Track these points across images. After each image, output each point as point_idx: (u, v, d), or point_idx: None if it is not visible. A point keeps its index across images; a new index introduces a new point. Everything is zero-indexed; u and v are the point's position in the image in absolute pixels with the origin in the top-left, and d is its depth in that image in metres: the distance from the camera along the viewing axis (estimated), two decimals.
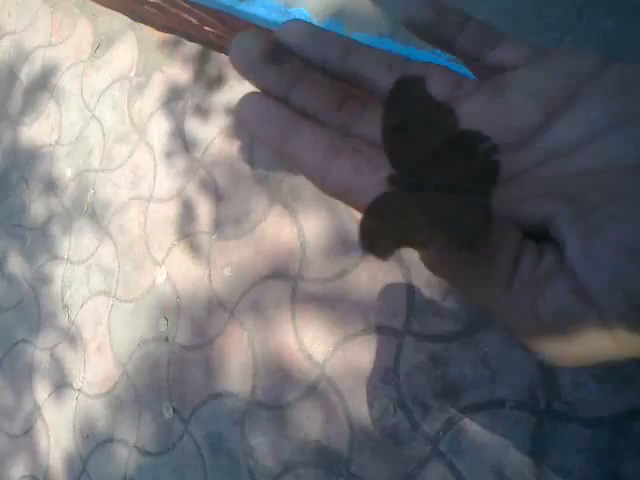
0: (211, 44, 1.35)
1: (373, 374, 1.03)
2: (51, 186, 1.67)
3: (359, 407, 1.04)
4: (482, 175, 0.18)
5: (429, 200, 0.17)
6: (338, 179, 0.20)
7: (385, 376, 1.02)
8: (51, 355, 1.54)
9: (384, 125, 0.18)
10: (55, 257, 1.61)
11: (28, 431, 1.55)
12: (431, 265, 0.19)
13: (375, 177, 0.19)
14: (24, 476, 1.53)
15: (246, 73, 0.21)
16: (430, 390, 0.98)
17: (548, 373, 0.88)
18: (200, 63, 1.40)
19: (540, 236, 0.17)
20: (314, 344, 1.10)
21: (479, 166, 0.18)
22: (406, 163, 0.18)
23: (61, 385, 1.50)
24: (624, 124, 0.18)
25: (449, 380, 0.96)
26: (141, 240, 1.41)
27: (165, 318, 1.32)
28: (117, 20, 1.62)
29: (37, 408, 1.54)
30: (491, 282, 0.17)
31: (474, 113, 0.20)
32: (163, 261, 1.35)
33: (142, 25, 1.53)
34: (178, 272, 1.32)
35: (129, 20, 1.58)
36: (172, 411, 1.27)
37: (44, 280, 1.62)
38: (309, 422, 1.08)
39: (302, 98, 0.21)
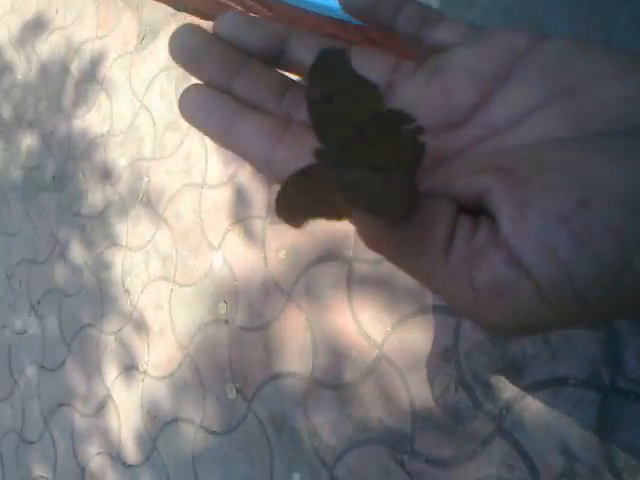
0: None
1: (432, 353, 1.04)
2: (106, 175, 1.72)
3: (419, 386, 1.05)
4: (407, 155, 0.18)
5: (352, 174, 0.17)
6: (283, 164, 0.20)
7: (444, 355, 1.02)
8: (116, 339, 1.60)
9: (309, 99, 0.17)
10: (114, 244, 1.66)
11: (100, 411, 1.62)
12: (367, 242, 0.19)
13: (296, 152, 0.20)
14: (99, 453, 1.61)
15: (186, 66, 0.21)
16: (491, 369, 0.98)
17: (611, 350, 0.87)
18: None
19: (476, 211, 0.17)
20: (372, 324, 1.11)
21: (404, 146, 0.18)
22: (332, 138, 0.18)
23: (127, 367, 1.56)
24: (559, 98, 0.18)
25: (510, 358, 0.96)
26: (196, 226, 1.44)
27: (224, 301, 1.36)
28: (160, 11, 1.64)
29: (107, 389, 1.61)
30: (426, 257, 0.17)
31: (411, 94, 0.20)
32: (219, 245, 1.38)
33: (186, 14, 1.54)
34: (234, 256, 1.35)
35: (172, 10, 1.59)
36: (235, 391, 1.31)
37: (105, 266, 1.68)
38: (370, 401, 1.10)
39: (244, 88, 0.21)
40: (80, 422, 1.68)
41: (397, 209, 0.17)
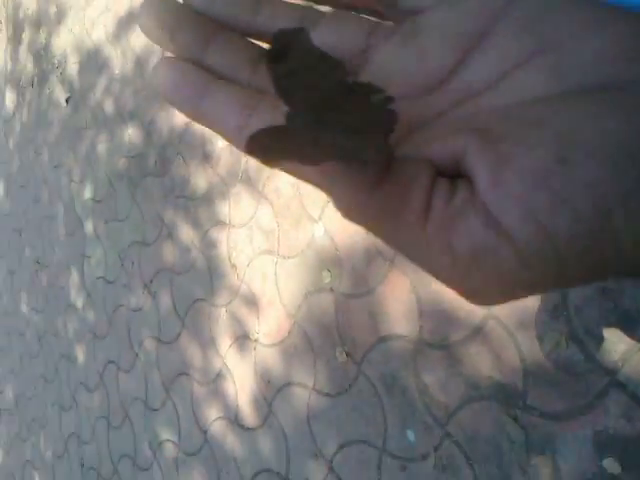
0: None
1: (541, 310, 1.05)
2: (206, 158, 1.80)
3: (529, 343, 1.06)
4: (377, 122, 0.17)
5: (325, 134, 0.17)
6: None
7: (554, 312, 1.03)
8: (226, 311, 1.70)
9: (273, 75, 0.17)
10: (218, 222, 1.75)
11: (216, 379, 1.74)
12: (342, 210, 0.18)
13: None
14: (218, 417, 1.72)
15: (156, 38, 0.21)
16: (603, 323, 0.98)
17: None
18: None
19: (454, 174, 0.17)
20: None
21: (373, 113, 0.17)
22: (301, 106, 0.17)
23: (239, 337, 1.66)
24: (537, 55, 0.17)
25: (622, 312, 0.96)
26: (296, 200, 1.49)
27: (328, 270, 1.41)
28: None
29: (221, 358, 1.72)
30: (403, 223, 0.17)
31: (386, 59, 0.20)
32: (319, 217, 1.43)
33: None
34: (335, 226, 1.40)
35: None
36: (345, 355, 1.37)
37: (211, 244, 1.78)
38: (480, 359, 1.13)
39: (216, 60, 0.21)
40: (198, 390, 1.80)
41: (371, 169, 0.17)
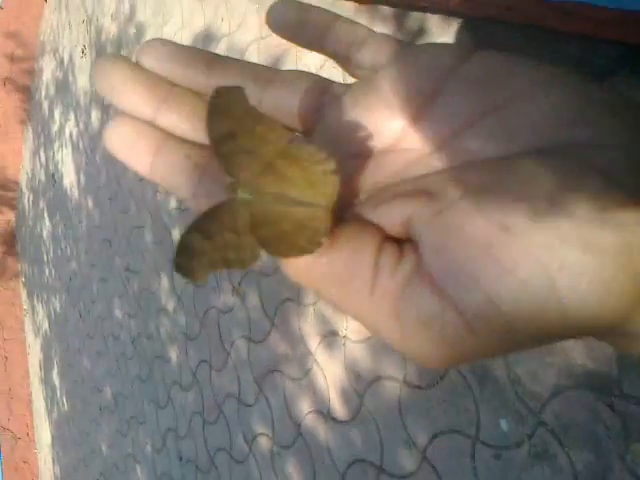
0: (408, 5, 1.42)
1: None
2: None
3: None
4: (320, 188, 0.17)
5: (263, 209, 0.17)
6: (206, 198, 0.20)
7: None
8: (314, 309, 1.78)
9: (211, 136, 0.17)
10: None
11: (307, 374, 1.82)
12: (291, 273, 0.18)
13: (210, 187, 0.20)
14: (310, 411, 1.80)
15: (110, 97, 0.21)
16: None
17: None
18: (399, 22, 1.48)
19: (401, 238, 0.17)
20: None
21: (315, 179, 0.17)
22: (241, 174, 0.17)
23: (328, 334, 1.73)
24: (486, 116, 0.17)
25: None
26: None
27: None
28: (322, 2, 1.75)
29: (311, 355, 1.80)
30: (351, 289, 0.17)
31: (337, 119, 0.20)
32: None
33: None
34: None
35: (331, 0, 1.70)
36: None
37: None
38: (571, 349, 1.15)
39: (170, 118, 0.21)
40: (290, 385, 1.89)
41: (311, 244, 0.16)
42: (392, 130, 0.19)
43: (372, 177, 0.19)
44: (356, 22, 0.21)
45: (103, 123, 3.38)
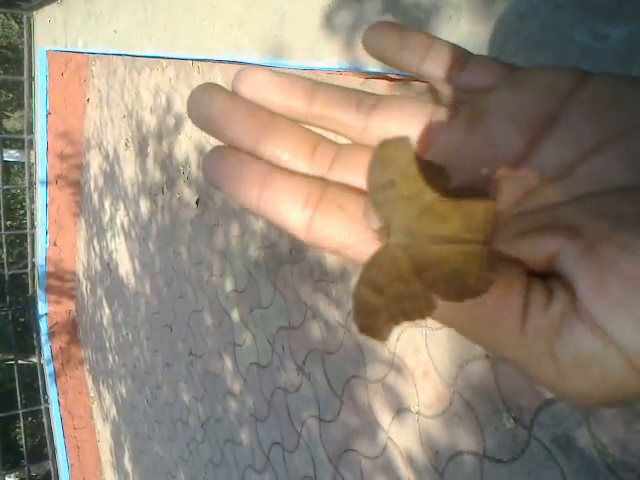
0: None
1: None
2: None
3: None
4: (479, 225, 0.17)
5: (424, 253, 0.17)
6: (322, 232, 0.19)
7: None
8: (383, 385, 1.77)
9: (370, 185, 0.17)
10: None
11: (383, 452, 1.79)
12: (439, 319, 0.18)
13: (365, 235, 0.18)
14: None
15: (208, 128, 0.20)
16: None
17: None
18: (435, 98, 1.52)
19: (544, 273, 0.17)
20: None
21: (478, 218, 0.17)
22: (398, 220, 0.17)
23: (400, 410, 1.71)
24: (612, 143, 0.17)
25: None
26: None
27: None
28: (353, 81, 1.81)
29: (384, 432, 1.78)
30: (502, 329, 0.16)
31: (452, 144, 0.19)
32: None
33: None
34: None
35: (364, 80, 1.76)
36: (512, 420, 1.38)
37: None
38: None
39: (272, 149, 0.20)
40: (367, 464, 1.86)
41: (482, 283, 0.16)
42: (512, 154, 0.18)
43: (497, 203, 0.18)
44: (454, 44, 0.21)
45: (152, 212, 3.50)
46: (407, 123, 0.20)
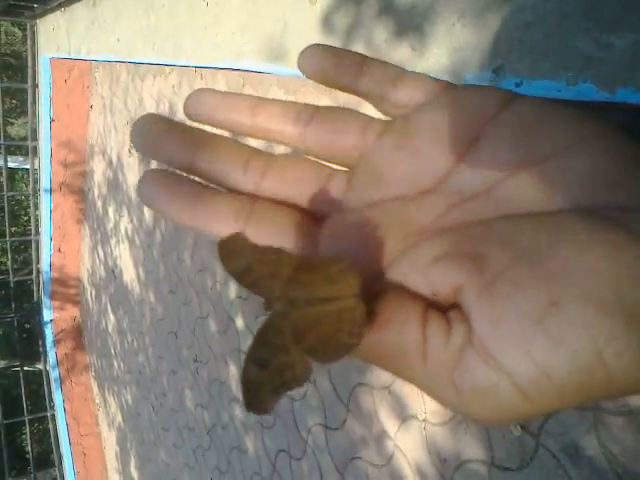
0: None
1: None
2: None
3: None
4: (343, 283, 0.18)
5: (303, 317, 0.18)
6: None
7: None
8: (389, 392, 1.76)
9: (232, 275, 0.18)
10: None
11: (389, 460, 1.78)
12: (353, 355, 0.19)
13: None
14: None
15: (145, 151, 0.21)
16: None
17: None
18: None
19: (451, 303, 0.18)
20: None
21: (336, 278, 0.18)
22: (271, 292, 0.18)
23: (407, 417, 1.70)
24: (528, 166, 0.18)
25: None
26: None
27: None
28: None
29: (391, 439, 1.77)
30: (405, 362, 0.17)
31: (379, 160, 0.20)
32: None
33: None
34: None
35: None
36: (520, 428, 1.37)
37: None
38: None
39: (208, 163, 0.21)
40: (373, 472, 1.85)
41: (353, 338, 0.17)
42: (435, 173, 0.19)
43: (413, 220, 0.19)
44: (388, 62, 0.21)
45: (156, 219, 3.51)
46: (340, 134, 0.21)
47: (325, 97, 1.96)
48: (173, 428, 3.49)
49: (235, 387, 2.65)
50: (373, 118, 0.22)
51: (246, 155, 0.22)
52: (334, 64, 0.21)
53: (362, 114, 0.22)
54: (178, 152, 0.21)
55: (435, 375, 0.17)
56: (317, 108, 0.22)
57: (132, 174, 3.95)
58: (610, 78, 0.74)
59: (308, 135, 0.22)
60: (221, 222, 0.20)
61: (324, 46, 0.22)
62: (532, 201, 0.17)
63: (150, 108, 3.55)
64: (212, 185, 0.22)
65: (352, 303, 0.17)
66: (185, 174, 0.22)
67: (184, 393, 3.26)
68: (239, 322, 2.59)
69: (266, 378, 0.17)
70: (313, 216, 0.21)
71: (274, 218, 0.21)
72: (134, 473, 4.49)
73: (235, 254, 0.18)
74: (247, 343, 2.52)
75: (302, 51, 0.21)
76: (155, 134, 0.21)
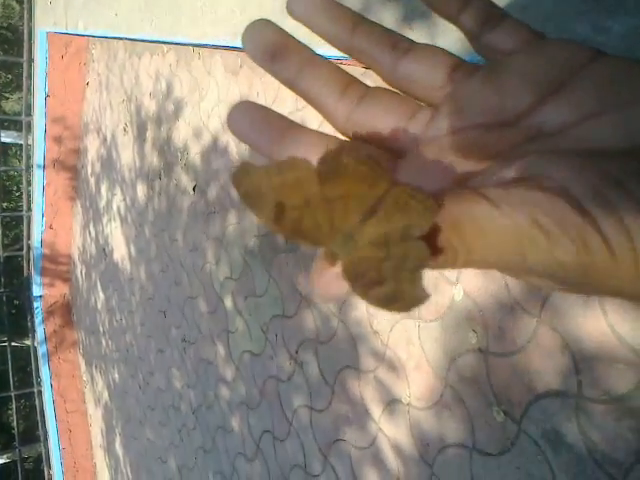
0: None
1: None
2: None
3: None
4: (418, 220, 0.17)
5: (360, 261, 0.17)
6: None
7: None
8: (375, 376, 1.77)
9: (260, 217, 0.18)
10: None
11: (373, 443, 1.80)
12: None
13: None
14: None
15: (259, 61, 0.22)
16: None
17: None
18: None
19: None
20: (634, 336, 1.13)
21: (413, 213, 0.17)
22: (343, 225, 0.18)
23: (391, 401, 1.71)
24: (610, 112, 0.18)
25: None
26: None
27: (473, 331, 1.45)
28: (354, 69, 1.80)
29: (375, 422, 1.78)
30: (618, 276, 0.17)
31: (466, 93, 0.21)
32: (457, 279, 1.48)
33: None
34: (474, 287, 1.44)
35: (363, 70, 1.75)
36: (503, 414, 1.39)
37: (350, 313, 1.86)
38: None
39: (307, 83, 0.22)
40: (357, 455, 1.86)
41: (413, 284, 0.17)
42: (518, 109, 0.20)
43: (494, 145, 0.20)
44: (492, 3, 0.22)
45: (149, 198, 3.49)
46: (432, 69, 0.22)
47: None
48: (159, 407, 3.50)
49: (222, 368, 2.66)
50: (464, 60, 0.22)
51: (345, 82, 0.23)
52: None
53: (454, 55, 0.22)
54: (285, 66, 0.22)
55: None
56: (413, 43, 0.22)
57: (126, 152, 3.93)
58: None
59: (400, 67, 0.22)
60: (310, 154, 0.21)
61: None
62: (611, 141, 0.18)
63: (147, 86, 3.52)
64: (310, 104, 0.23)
65: (417, 244, 0.17)
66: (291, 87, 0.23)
67: (171, 372, 3.27)
68: (228, 303, 2.60)
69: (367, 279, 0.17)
70: (397, 153, 0.22)
71: (360, 151, 0.21)
72: (119, 450, 4.50)
73: (254, 189, 0.18)
74: (235, 324, 2.53)
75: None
76: (266, 48, 0.22)
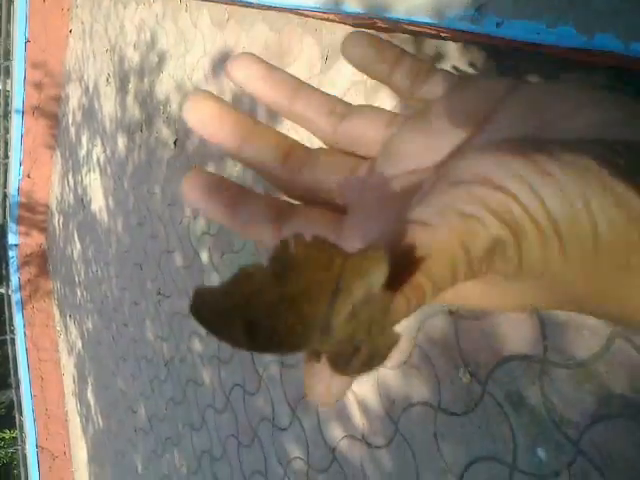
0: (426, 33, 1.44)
1: None
2: None
3: None
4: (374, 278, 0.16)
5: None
6: None
7: None
8: None
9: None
10: None
11: (340, 400, 1.83)
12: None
13: None
14: (345, 436, 1.81)
15: (199, 129, 0.23)
16: None
17: None
18: (418, 49, 1.50)
19: None
20: None
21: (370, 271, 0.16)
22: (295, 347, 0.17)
23: None
24: (535, 130, 0.19)
25: None
26: None
27: None
28: (340, 30, 1.77)
29: None
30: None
31: (399, 142, 0.22)
32: None
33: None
34: None
35: (351, 29, 1.72)
36: (469, 375, 1.42)
37: None
38: (609, 378, 1.14)
39: (251, 153, 0.23)
40: (323, 410, 1.90)
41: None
42: (447, 147, 0.21)
43: (426, 187, 0.20)
44: (421, 59, 0.23)
45: (129, 150, 3.44)
46: (369, 128, 0.23)
47: (309, 36, 1.92)
48: (132, 358, 3.52)
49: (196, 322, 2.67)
50: (397, 114, 0.23)
51: (287, 147, 0.24)
52: (375, 54, 0.23)
53: (388, 111, 0.23)
54: (228, 137, 0.23)
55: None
56: (352, 107, 0.23)
57: (108, 103, 3.85)
58: (590, 22, 0.74)
59: (340, 130, 0.23)
60: (261, 224, 0.21)
61: (369, 35, 0.23)
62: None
63: (131, 36, 3.44)
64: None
65: (386, 296, 0.16)
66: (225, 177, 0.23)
67: (145, 324, 3.27)
68: (204, 257, 2.59)
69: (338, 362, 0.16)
70: (341, 209, 0.23)
71: (314, 222, 0.22)
72: (91, 399, 4.53)
73: (217, 315, 0.16)
74: (211, 280, 2.53)
75: (348, 36, 0.23)
76: (208, 115, 0.23)
